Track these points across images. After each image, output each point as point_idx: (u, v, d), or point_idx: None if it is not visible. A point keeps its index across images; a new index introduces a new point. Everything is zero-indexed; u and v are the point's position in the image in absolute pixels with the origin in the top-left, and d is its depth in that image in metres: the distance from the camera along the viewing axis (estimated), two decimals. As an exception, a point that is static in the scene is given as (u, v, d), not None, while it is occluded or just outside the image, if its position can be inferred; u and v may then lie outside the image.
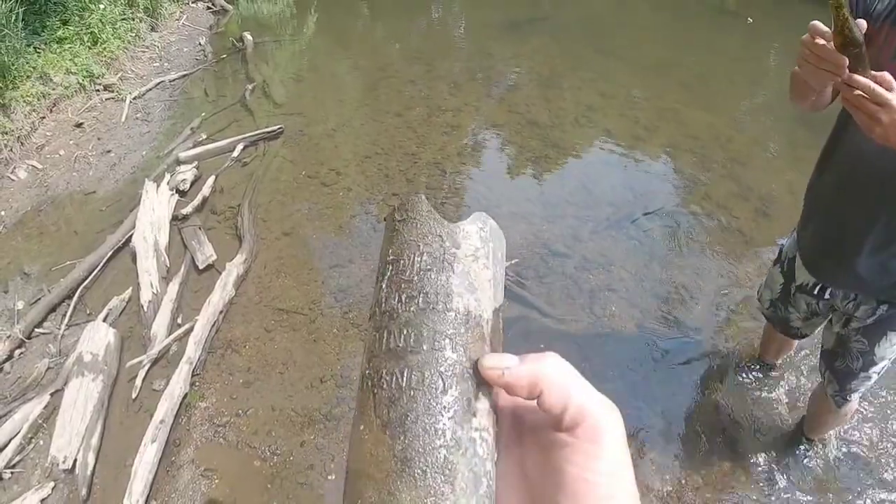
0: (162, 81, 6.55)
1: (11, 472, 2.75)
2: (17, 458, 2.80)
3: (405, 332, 0.40)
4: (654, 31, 7.93)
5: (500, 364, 0.39)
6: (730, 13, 9.32)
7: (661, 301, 3.47)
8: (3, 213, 4.56)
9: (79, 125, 5.62)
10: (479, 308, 0.42)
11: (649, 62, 6.64)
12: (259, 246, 3.94)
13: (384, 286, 0.43)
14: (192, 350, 3.14)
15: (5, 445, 2.83)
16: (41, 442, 2.88)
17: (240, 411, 2.91)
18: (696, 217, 4.09)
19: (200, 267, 3.77)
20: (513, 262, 3.62)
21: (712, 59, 7.09)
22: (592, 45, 7.16)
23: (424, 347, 0.39)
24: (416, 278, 0.41)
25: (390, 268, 0.43)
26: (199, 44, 7.70)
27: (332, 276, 3.68)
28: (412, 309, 0.40)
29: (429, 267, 0.42)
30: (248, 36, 7.35)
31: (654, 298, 3.48)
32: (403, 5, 9.12)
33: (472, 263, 0.43)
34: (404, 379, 0.38)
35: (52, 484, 2.67)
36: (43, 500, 2.62)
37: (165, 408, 2.84)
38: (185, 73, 6.78)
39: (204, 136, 5.33)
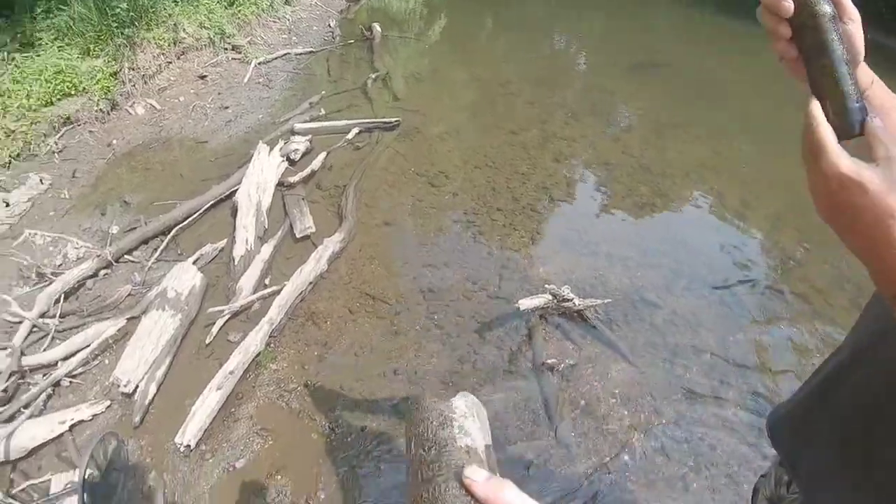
0: (288, 53, 6.71)
1: (70, 381, 2.76)
2: (80, 370, 2.81)
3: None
4: (767, 91, 7.55)
5: (472, 475, 0.59)
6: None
7: (741, 374, 3.21)
8: (115, 141, 4.68)
9: (202, 77, 5.77)
10: (474, 444, 0.71)
11: (763, 125, 6.30)
12: (358, 229, 3.90)
13: (413, 446, 0.73)
14: (275, 312, 3.10)
15: (72, 355, 2.85)
16: (107, 362, 2.88)
17: (308, 382, 2.84)
18: (792, 296, 3.80)
19: (298, 236, 3.76)
20: (605, 301, 3.45)
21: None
22: (707, 98, 6.87)
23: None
24: (432, 435, 0.71)
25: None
26: (329, 25, 7.89)
27: (424, 275, 3.59)
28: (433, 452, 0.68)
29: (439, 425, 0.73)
30: (377, 27, 7.48)
31: (735, 369, 3.23)
32: (526, 27, 9.12)
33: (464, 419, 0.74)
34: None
35: (107, 402, 2.66)
36: (95, 416, 2.61)
37: (237, 360, 2.79)
38: (311, 49, 6.94)
39: (322, 112, 5.39)
